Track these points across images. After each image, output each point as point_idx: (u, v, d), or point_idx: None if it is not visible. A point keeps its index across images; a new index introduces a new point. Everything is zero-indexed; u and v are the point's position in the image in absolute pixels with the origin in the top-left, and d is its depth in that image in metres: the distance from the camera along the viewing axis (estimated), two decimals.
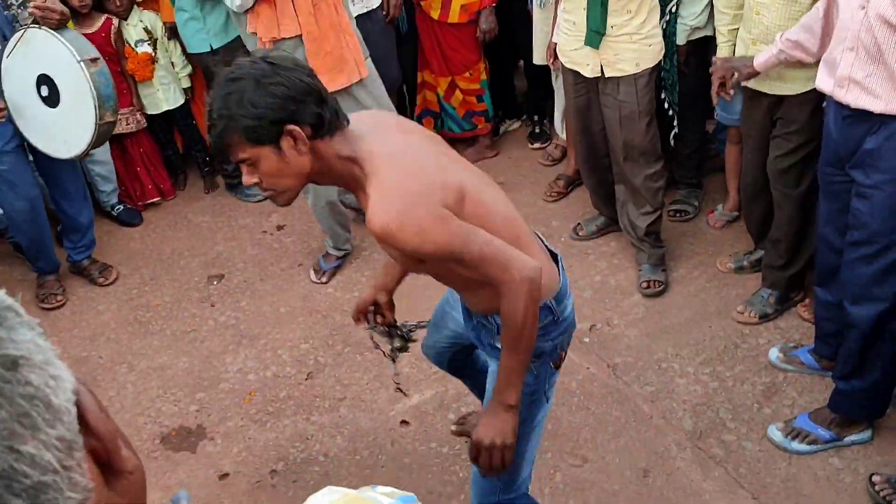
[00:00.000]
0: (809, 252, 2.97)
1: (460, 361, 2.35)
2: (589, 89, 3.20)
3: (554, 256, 1.91)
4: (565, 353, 1.95)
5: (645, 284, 3.32)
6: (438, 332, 2.28)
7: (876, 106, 2.22)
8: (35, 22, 3.12)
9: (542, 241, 1.93)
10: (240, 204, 4.27)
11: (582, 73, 3.14)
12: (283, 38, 3.12)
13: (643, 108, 3.10)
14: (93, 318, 3.61)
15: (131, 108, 4.08)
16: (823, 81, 2.40)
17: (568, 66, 3.19)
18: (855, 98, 2.27)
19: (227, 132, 1.57)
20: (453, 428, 2.77)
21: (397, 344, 2.21)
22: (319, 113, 1.59)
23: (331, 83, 2.98)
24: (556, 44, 3.34)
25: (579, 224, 3.72)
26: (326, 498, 0.76)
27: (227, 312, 3.55)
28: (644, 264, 3.38)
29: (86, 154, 3.39)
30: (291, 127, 1.57)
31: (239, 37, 3.53)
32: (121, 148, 4.18)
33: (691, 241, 3.60)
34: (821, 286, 2.71)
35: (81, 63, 3.08)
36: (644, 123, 3.13)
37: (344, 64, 3.18)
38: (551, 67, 3.72)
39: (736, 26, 2.94)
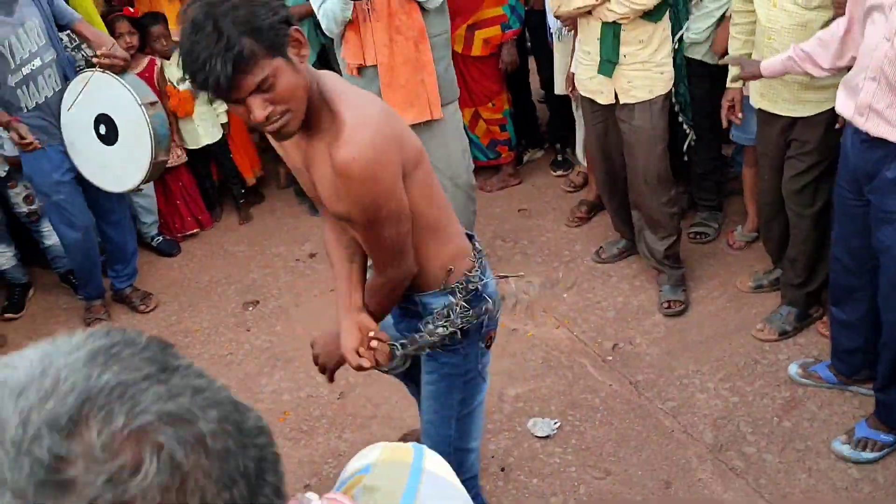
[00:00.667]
0: (826, 270, 3.04)
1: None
2: (606, 116, 3.32)
3: (470, 237, 2.00)
4: (494, 333, 2.03)
5: (666, 304, 3.40)
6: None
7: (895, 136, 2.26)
8: (93, 65, 3.33)
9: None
10: (273, 233, 4.44)
11: (597, 101, 3.28)
12: (367, 66, 3.19)
13: (658, 134, 3.21)
14: None
15: (173, 143, 4.29)
16: (843, 106, 2.44)
17: (584, 94, 3.33)
18: (875, 127, 2.31)
19: (246, 47, 1.45)
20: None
21: (399, 362, 2.05)
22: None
23: (401, 116, 3.11)
24: (574, 73, 3.47)
25: (601, 247, 3.83)
26: (372, 452, 0.87)
27: (262, 336, 3.69)
28: (665, 285, 3.46)
29: (137, 189, 3.58)
30: (295, 29, 1.54)
31: None
32: (162, 182, 4.39)
33: (711, 263, 3.68)
34: (835, 305, 2.77)
35: (142, 106, 3.28)
36: (660, 149, 3.24)
37: (416, 99, 3.20)
38: (571, 97, 3.86)
39: (747, 51, 3.04)
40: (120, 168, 3.47)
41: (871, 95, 2.29)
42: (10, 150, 3.66)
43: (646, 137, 3.21)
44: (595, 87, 3.25)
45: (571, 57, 3.73)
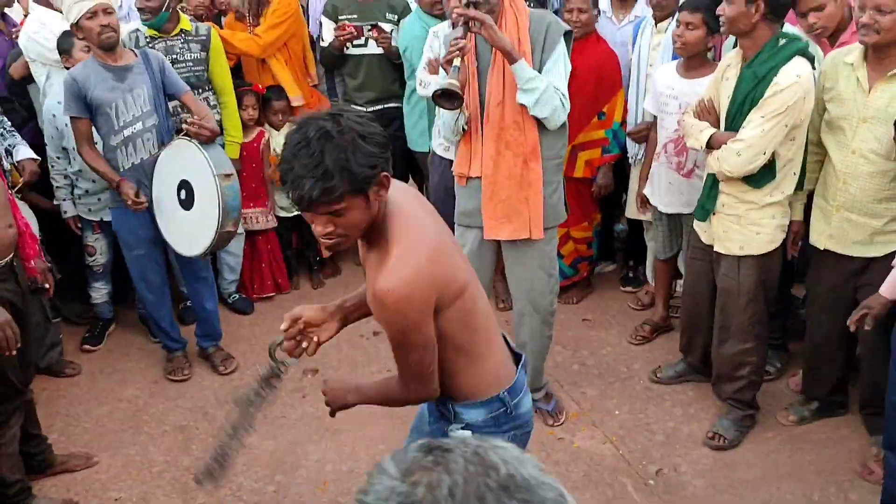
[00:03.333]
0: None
1: None
2: (705, 254, 3.33)
3: (517, 357, 2.13)
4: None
5: (711, 435, 3.37)
6: (418, 434, 2.40)
7: None
8: (187, 133, 3.59)
9: (506, 340, 2.15)
10: None
11: (700, 236, 3.32)
12: (472, 177, 3.19)
13: (744, 289, 3.16)
14: (197, 393, 3.94)
15: (266, 208, 4.57)
16: None
17: (694, 226, 3.36)
18: None
19: (338, 184, 1.64)
20: None
21: (265, 375, 2.13)
22: (391, 162, 1.77)
23: (496, 230, 3.15)
24: (644, 195, 3.56)
25: (660, 367, 3.83)
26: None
27: (315, 405, 3.79)
28: (725, 418, 3.42)
29: (203, 256, 3.75)
30: (385, 174, 1.73)
31: None
32: (251, 242, 4.64)
33: (770, 402, 3.63)
34: (892, 449, 2.71)
35: (216, 177, 3.51)
36: (743, 302, 3.19)
37: (516, 216, 3.14)
38: (643, 219, 3.95)
39: (811, 186, 3.08)
40: (192, 233, 3.68)
41: None
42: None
43: (729, 287, 3.21)
44: (700, 226, 3.30)
45: (644, 181, 3.87)
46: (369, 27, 4.49)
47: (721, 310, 3.29)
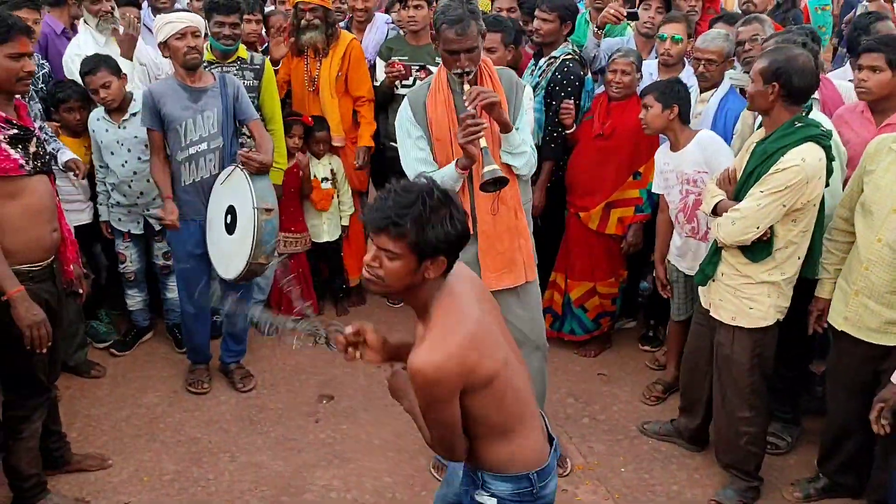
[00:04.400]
0: None
1: None
2: (705, 318, 3.37)
3: (550, 440, 2.22)
4: None
5: (713, 503, 3.38)
6: (449, 487, 2.47)
7: None
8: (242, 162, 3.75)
9: (545, 421, 2.24)
10: None
11: (701, 300, 3.37)
12: None
13: (737, 359, 3.20)
14: (213, 406, 4.04)
15: (304, 233, 4.77)
16: None
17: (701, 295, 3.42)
18: None
19: (407, 231, 1.85)
20: None
21: (304, 328, 2.34)
22: (457, 256, 1.97)
23: (497, 281, 3.26)
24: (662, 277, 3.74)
25: (648, 422, 3.90)
26: None
27: (327, 431, 3.87)
28: (729, 488, 3.42)
29: (237, 281, 3.84)
30: (444, 259, 1.92)
31: None
32: (283, 264, 4.76)
33: (777, 476, 3.61)
34: None
35: (256, 210, 3.64)
36: (738, 372, 3.22)
37: (513, 266, 3.28)
38: (663, 295, 4.04)
39: (841, 267, 3.10)
40: (230, 258, 3.81)
41: None
42: None
43: (725, 355, 3.25)
44: (701, 290, 3.36)
45: (661, 264, 4.00)
46: (417, 68, 4.65)
47: (719, 376, 3.32)
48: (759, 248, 3.04)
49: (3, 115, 2.86)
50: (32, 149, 2.92)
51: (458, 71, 3.01)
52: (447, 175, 3.08)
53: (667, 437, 3.81)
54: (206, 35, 3.98)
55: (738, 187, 3.09)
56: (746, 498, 3.40)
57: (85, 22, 4.34)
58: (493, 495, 2.13)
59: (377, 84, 4.78)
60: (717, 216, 3.11)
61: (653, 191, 3.97)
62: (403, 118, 3.25)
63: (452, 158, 3.12)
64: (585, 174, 4.29)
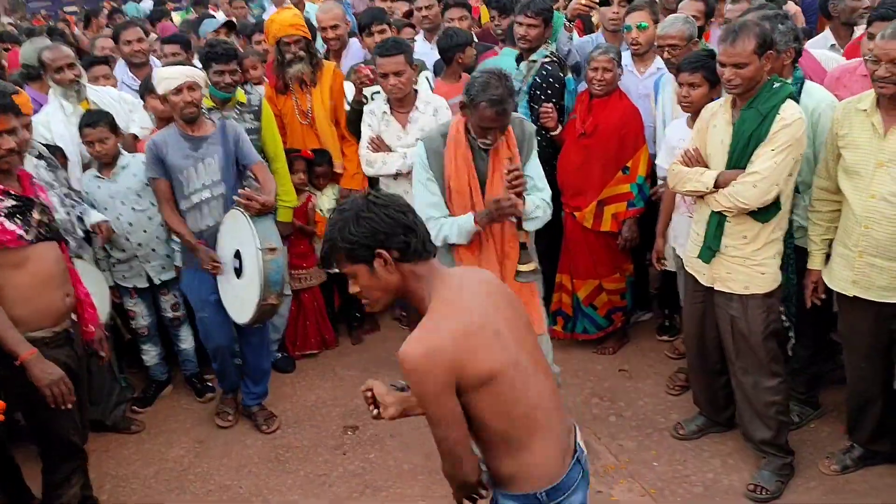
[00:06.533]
0: None
1: None
2: (706, 297, 3.38)
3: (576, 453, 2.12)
4: None
5: (752, 487, 3.34)
6: None
7: None
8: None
9: (577, 433, 2.16)
10: (384, 362, 4.66)
11: (698, 280, 3.37)
12: None
13: (754, 328, 3.21)
14: (240, 451, 4.03)
15: (315, 268, 4.74)
16: None
17: (689, 270, 3.44)
18: None
19: (332, 251, 2.03)
20: None
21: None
22: (406, 241, 1.98)
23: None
24: (658, 251, 3.72)
25: (679, 423, 3.83)
26: None
27: (356, 462, 3.85)
28: (765, 469, 3.40)
29: (250, 325, 3.85)
30: (380, 251, 1.97)
31: None
32: (297, 299, 4.77)
33: (811, 451, 3.59)
34: None
35: (260, 251, 3.64)
36: (756, 340, 3.22)
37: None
38: (657, 267, 4.06)
39: (830, 236, 3.10)
40: (240, 301, 3.81)
41: None
42: (178, 261, 4.19)
43: (739, 328, 3.24)
44: (699, 268, 3.35)
45: (662, 237, 4.01)
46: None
47: (737, 354, 3.30)
48: (770, 207, 3.07)
49: (1, 186, 2.89)
50: (36, 217, 2.94)
51: (487, 144, 3.21)
52: (463, 224, 3.27)
53: (705, 431, 3.76)
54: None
55: (734, 155, 3.09)
56: (783, 476, 3.37)
57: (52, 92, 4.39)
58: None
59: (348, 105, 4.73)
60: (719, 189, 3.11)
61: (656, 162, 3.97)
62: (417, 161, 3.40)
63: (470, 208, 3.29)
64: (574, 174, 4.30)
